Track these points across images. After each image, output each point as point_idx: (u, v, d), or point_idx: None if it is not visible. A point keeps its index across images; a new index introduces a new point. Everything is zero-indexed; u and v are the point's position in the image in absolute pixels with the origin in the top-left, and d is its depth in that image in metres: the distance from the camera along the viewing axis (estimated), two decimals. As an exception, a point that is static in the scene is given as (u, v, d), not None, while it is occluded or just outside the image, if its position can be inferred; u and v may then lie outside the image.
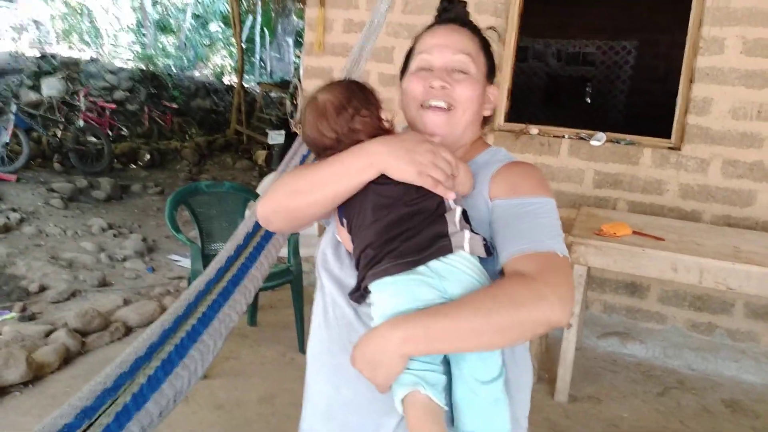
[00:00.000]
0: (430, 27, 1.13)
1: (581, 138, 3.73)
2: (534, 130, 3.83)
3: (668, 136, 3.59)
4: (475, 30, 1.13)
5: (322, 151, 1.03)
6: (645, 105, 7.29)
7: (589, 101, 7.94)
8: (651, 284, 3.59)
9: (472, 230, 0.95)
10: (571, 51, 7.90)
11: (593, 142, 3.65)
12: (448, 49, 1.07)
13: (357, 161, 0.95)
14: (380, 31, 2.13)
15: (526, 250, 0.93)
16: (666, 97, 4.36)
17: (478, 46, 1.10)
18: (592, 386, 3.11)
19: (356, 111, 1.01)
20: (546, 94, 8.11)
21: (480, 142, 1.17)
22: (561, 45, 7.93)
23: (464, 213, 0.97)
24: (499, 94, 1.21)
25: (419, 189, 0.93)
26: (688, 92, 3.48)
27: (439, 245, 0.89)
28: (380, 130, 1.02)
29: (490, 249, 0.95)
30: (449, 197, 0.94)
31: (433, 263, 0.89)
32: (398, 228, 0.91)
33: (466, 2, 1.18)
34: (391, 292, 0.89)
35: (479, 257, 0.94)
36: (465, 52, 1.07)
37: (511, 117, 4.01)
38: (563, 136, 3.76)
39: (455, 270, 0.90)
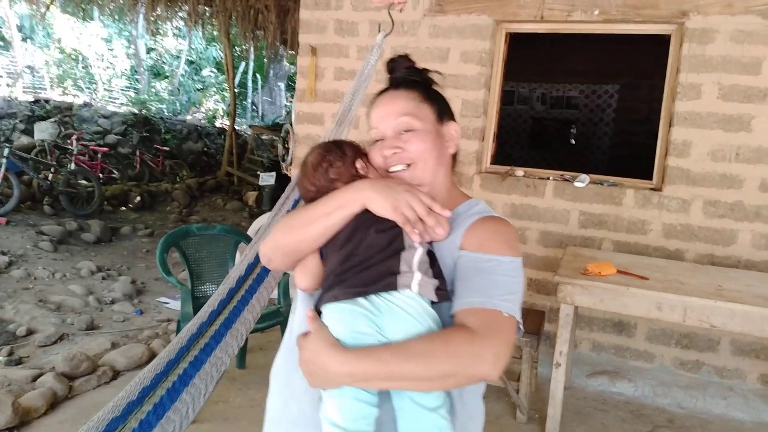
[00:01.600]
0: (372, 101, 1.22)
1: (566, 179, 3.82)
2: (519, 172, 3.92)
3: (650, 177, 3.69)
4: (410, 85, 1.19)
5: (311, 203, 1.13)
6: (627, 146, 7.46)
7: (574, 143, 8.11)
8: (638, 323, 3.63)
9: (435, 273, 1.02)
10: (555, 95, 8.11)
11: (577, 184, 3.74)
12: (390, 116, 1.15)
13: (344, 196, 1.05)
14: (371, 80, 2.21)
15: (474, 304, 0.99)
16: (648, 139, 4.48)
17: (418, 99, 1.17)
18: (582, 426, 3.11)
19: (330, 164, 1.14)
20: (531, 137, 8.28)
21: (457, 193, 1.22)
22: (545, 89, 8.14)
23: (431, 255, 1.04)
24: (458, 127, 1.23)
25: (389, 226, 1.01)
26: (667, 135, 3.60)
27: (385, 282, 0.96)
28: (356, 177, 1.12)
29: (447, 295, 1.02)
30: (414, 238, 1.00)
31: (376, 298, 0.96)
32: (356, 259, 0.99)
33: (406, 55, 1.25)
34: (335, 318, 0.97)
35: (437, 301, 1.00)
36: (405, 113, 1.14)
37: (497, 159, 4.11)
38: (548, 178, 3.85)
39: (396, 308, 0.95)
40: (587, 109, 7.97)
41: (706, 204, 3.50)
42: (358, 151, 1.17)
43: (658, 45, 3.85)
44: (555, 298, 3.00)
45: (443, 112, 1.20)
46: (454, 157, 1.23)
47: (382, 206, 1.01)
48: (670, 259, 3.51)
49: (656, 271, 3.03)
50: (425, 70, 1.24)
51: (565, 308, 2.86)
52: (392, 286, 0.96)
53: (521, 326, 1.04)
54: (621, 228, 3.67)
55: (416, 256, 1.00)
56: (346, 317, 0.95)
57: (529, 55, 6.46)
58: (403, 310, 0.95)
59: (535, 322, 3.26)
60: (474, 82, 3.93)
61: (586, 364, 3.69)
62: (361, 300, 0.96)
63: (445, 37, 3.98)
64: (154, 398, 1.47)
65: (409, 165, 1.13)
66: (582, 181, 3.74)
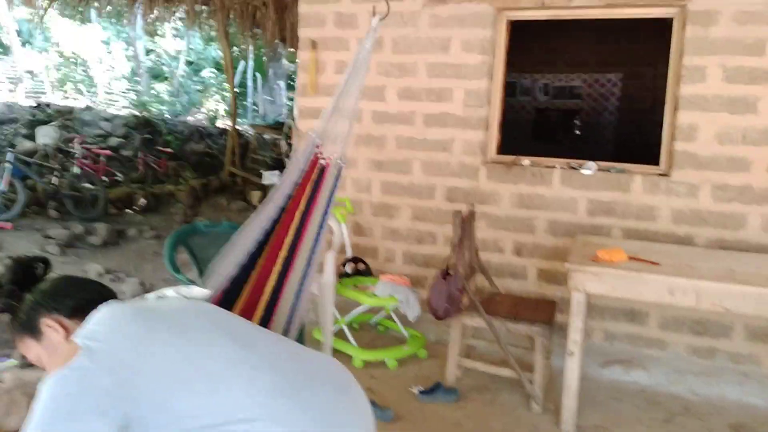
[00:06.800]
0: None
1: (572, 167, 3.80)
2: (525, 161, 3.90)
3: (657, 163, 3.66)
4: (13, 325, 1.37)
5: None
6: (633, 134, 7.42)
7: (579, 133, 8.06)
8: (650, 310, 3.61)
9: None
10: (558, 85, 8.07)
11: (584, 171, 3.72)
12: None
13: None
14: (366, 67, 2.12)
15: None
16: (653, 126, 4.45)
17: (19, 337, 1.36)
18: (598, 415, 3.09)
19: None
20: (536, 128, 8.24)
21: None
22: (548, 79, 8.10)
23: None
24: (50, 320, 1.35)
25: None
26: (673, 120, 3.57)
27: None
28: None
29: None
30: None
31: None
32: None
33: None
34: None
35: None
36: (25, 356, 1.37)
37: (502, 150, 4.08)
38: (555, 167, 3.83)
39: None
40: (591, 98, 7.93)
41: (715, 188, 3.47)
42: None
43: (660, 30, 3.82)
44: (566, 288, 2.98)
45: (31, 324, 1.33)
46: (74, 309, 1.33)
47: None
48: (680, 244, 3.48)
49: (667, 257, 3.01)
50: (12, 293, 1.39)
51: (576, 296, 2.83)
52: None
53: None
54: (630, 215, 3.64)
55: None
56: None
57: (530, 46, 6.43)
58: None
59: (546, 312, 3.24)
60: (476, 71, 3.90)
61: (599, 354, 3.66)
62: None
63: (446, 26, 3.95)
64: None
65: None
66: (589, 168, 3.71)
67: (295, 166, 1.87)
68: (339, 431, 1.21)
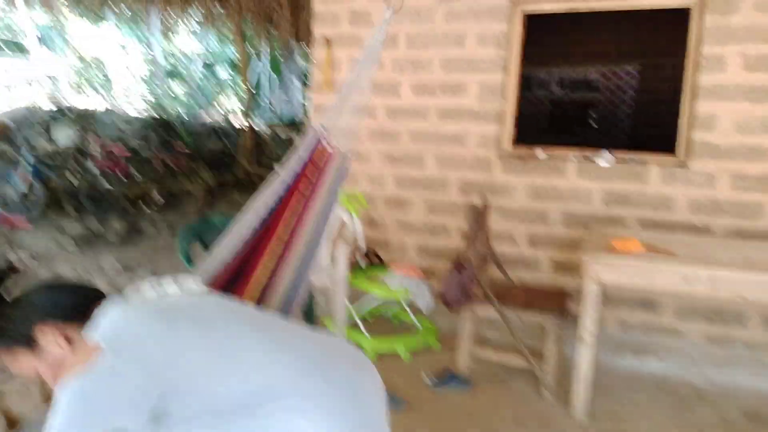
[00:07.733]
0: None
1: (588, 159, 3.77)
2: (541, 154, 3.88)
3: (675, 153, 3.62)
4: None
5: None
6: (650, 126, 7.32)
7: (596, 126, 7.98)
8: (665, 299, 3.57)
9: None
10: (574, 78, 8.00)
11: (600, 163, 3.69)
12: None
13: None
14: (377, 59, 2.09)
15: None
16: (671, 118, 4.39)
17: (5, 350, 1.28)
18: (610, 403, 3.06)
19: None
20: (551, 122, 8.17)
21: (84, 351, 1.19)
22: (564, 73, 8.03)
23: None
24: (44, 326, 1.28)
25: None
26: (691, 109, 3.53)
27: None
28: None
29: None
30: None
31: None
32: None
33: None
34: None
35: None
36: (13, 370, 1.31)
37: (517, 143, 4.06)
38: (570, 159, 3.80)
39: None
40: (608, 91, 7.85)
41: (733, 177, 3.43)
42: None
43: (679, 20, 3.77)
44: (580, 278, 2.96)
45: (23, 335, 1.26)
46: (73, 318, 1.27)
47: None
48: (697, 234, 3.44)
49: (684, 247, 2.97)
50: None
51: (591, 286, 2.82)
52: None
53: None
54: (646, 205, 3.61)
55: None
56: None
57: (546, 39, 6.37)
58: None
59: (558, 302, 3.23)
60: (491, 65, 3.90)
61: (612, 343, 3.64)
62: None
63: (461, 21, 3.95)
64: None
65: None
66: (605, 159, 3.68)
67: (297, 154, 1.85)
68: (365, 406, 1.26)
